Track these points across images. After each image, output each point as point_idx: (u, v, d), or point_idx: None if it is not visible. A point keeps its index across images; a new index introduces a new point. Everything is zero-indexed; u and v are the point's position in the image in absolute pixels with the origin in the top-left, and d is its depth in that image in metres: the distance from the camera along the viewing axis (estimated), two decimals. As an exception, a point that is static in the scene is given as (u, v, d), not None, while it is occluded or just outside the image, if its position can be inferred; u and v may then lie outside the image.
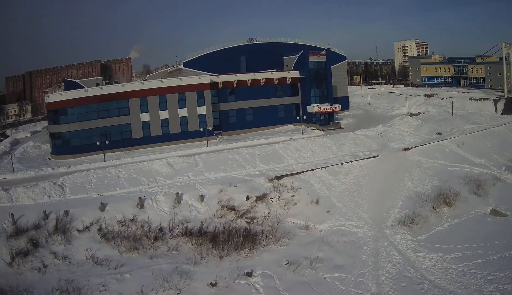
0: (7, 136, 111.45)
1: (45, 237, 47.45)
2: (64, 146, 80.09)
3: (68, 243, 47.20)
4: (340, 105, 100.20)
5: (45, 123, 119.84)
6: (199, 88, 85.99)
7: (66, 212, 50.63)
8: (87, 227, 49.70)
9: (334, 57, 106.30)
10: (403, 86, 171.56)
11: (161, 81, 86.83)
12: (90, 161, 72.28)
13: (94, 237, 48.59)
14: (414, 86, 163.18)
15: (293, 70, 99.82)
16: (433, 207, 57.42)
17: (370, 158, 71.01)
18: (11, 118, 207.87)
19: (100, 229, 49.70)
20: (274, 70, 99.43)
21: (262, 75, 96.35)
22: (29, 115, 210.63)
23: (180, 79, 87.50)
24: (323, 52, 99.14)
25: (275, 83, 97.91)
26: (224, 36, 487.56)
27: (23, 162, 76.78)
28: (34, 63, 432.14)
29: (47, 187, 58.12)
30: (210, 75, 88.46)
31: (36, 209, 51.39)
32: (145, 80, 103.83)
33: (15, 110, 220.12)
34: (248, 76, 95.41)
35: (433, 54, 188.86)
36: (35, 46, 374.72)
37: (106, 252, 46.24)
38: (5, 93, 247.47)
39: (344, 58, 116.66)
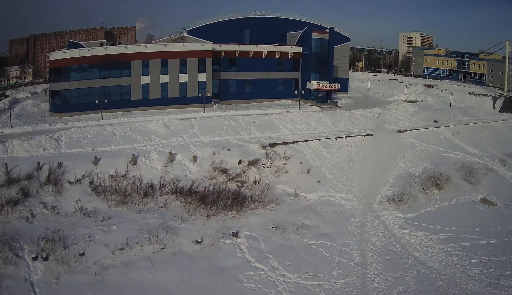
0: (7, 96, 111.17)
1: (36, 187, 47.72)
2: (63, 104, 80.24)
3: (59, 194, 47.45)
4: (339, 84, 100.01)
5: (45, 85, 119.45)
6: (201, 55, 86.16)
7: (60, 164, 50.86)
8: (78, 180, 49.97)
9: (337, 37, 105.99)
10: (404, 75, 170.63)
11: (164, 45, 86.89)
12: (88, 119, 72.23)
13: (84, 190, 48.90)
14: (415, 76, 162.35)
15: (295, 45, 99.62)
16: (423, 188, 57.79)
17: (364, 135, 71.32)
18: (12, 80, 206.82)
19: (91, 183, 50.00)
20: (277, 44, 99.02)
21: (265, 48, 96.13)
22: (30, 78, 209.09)
23: (183, 45, 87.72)
24: (327, 30, 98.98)
25: (277, 56, 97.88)
26: (231, 9, 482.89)
27: (21, 118, 76.79)
28: (38, 27, 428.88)
29: (42, 140, 58.40)
30: (213, 44, 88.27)
31: (30, 161, 51.55)
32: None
33: (16, 73, 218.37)
34: (250, 48, 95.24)
35: (436, 46, 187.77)
36: (40, 10, 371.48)
37: (95, 204, 46.52)
38: (8, 55, 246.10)
39: (347, 39, 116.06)
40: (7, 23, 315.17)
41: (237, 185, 53.95)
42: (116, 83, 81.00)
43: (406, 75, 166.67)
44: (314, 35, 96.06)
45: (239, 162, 57.10)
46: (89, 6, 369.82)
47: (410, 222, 49.81)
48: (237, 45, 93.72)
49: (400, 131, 75.66)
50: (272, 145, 62.02)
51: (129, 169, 52.85)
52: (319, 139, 66.97)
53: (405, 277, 38.92)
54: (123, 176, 51.74)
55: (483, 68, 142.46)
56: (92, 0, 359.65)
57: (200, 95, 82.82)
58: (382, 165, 63.62)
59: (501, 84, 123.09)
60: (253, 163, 57.73)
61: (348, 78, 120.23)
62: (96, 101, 73.69)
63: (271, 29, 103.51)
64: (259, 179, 55.82)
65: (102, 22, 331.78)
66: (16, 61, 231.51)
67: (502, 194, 59.70)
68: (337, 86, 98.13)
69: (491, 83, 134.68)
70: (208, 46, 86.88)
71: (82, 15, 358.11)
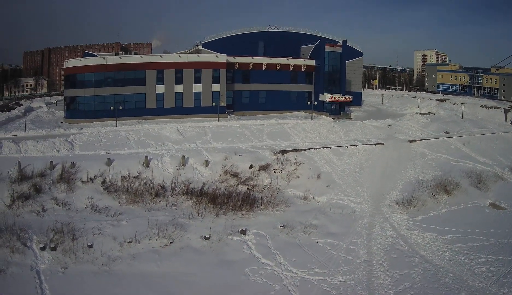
0: (21, 105, 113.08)
1: (48, 184, 48.72)
2: (77, 111, 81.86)
3: (71, 191, 48.41)
4: (351, 96, 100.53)
5: (60, 97, 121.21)
6: (215, 66, 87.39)
7: (73, 164, 51.90)
8: (91, 179, 50.89)
9: (350, 52, 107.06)
10: (417, 92, 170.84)
11: (179, 56, 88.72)
12: (102, 126, 73.29)
13: (96, 189, 49.78)
14: (429, 92, 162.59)
15: (309, 59, 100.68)
16: (432, 193, 57.59)
17: (375, 144, 71.65)
18: (27, 91, 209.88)
19: (103, 182, 50.88)
20: (291, 57, 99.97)
21: (278, 60, 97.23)
22: (44, 90, 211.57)
23: (198, 56, 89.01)
24: (339, 43, 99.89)
25: (290, 69, 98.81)
26: (244, 21, 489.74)
27: (35, 124, 77.83)
28: (54, 40, 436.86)
29: (56, 142, 59.83)
30: (227, 56, 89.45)
31: (43, 161, 52.62)
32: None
33: (31, 84, 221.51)
34: (264, 60, 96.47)
35: (449, 62, 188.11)
36: (56, 24, 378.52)
37: (107, 202, 47.30)
38: (23, 67, 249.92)
39: (360, 54, 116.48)
40: (22, 35, 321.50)
41: (248, 188, 54.32)
42: (131, 92, 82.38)
43: (420, 92, 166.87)
44: (327, 48, 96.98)
45: (250, 167, 57.66)
46: (106, 22, 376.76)
47: (418, 224, 49.68)
48: (250, 57, 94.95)
49: (411, 141, 75.82)
50: (283, 152, 62.53)
51: (142, 171, 53.62)
52: (330, 147, 67.43)
53: (411, 274, 38.70)
54: (135, 177, 52.53)
55: (495, 83, 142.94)
56: (110, 16, 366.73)
57: (213, 104, 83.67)
58: (392, 172, 63.74)
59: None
60: (264, 168, 58.28)
61: (361, 92, 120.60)
62: (111, 108, 74.91)
63: (285, 42, 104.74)
64: (270, 183, 56.23)
65: (118, 35, 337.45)
66: (30, 73, 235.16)
67: (511, 199, 59.30)
68: (349, 98, 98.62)
69: (503, 97, 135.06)
70: (222, 57, 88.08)
71: (99, 31, 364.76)
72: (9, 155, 55.31)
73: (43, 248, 37.16)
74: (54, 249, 37.21)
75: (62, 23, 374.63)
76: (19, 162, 50.93)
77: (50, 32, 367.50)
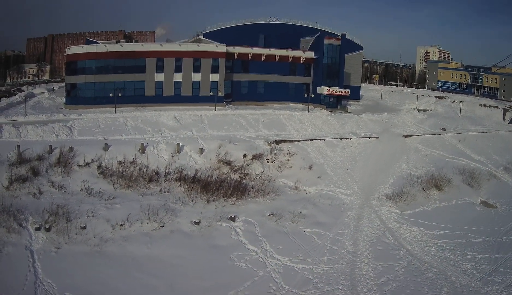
0: (23, 91, 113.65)
1: (46, 167, 50.19)
2: (78, 97, 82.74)
3: (67, 175, 49.91)
4: (349, 90, 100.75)
5: (62, 84, 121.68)
6: (214, 56, 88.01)
7: (71, 148, 53.47)
8: (87, 163, 52.37)
9: (350, 45, 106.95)
10: (417, 88, 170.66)
11: (179, 44, 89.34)
12: (102, 112, 73.89)
13: (92, 173, 51.24)
14: (429, 89, 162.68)
15: (308, 51, 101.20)
16: (423, 189, 58.07)
17: (369, 138, 72.49)
18: (29, 77, 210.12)
19: (99, 167, 52.31)
20: (290, 49, 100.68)
21: (277, 52, 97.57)
22: (47, 76, 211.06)
23: (198, 45, 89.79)
24: (339, 37, 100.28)
25: (289, 61, 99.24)
26: (247, 13, 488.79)
27: (36, 109, 78.60)
28: (57, 27, 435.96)
29: (56, 127, 61.15)
30: (226, 46, 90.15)
31: (42, 145, 54.00)
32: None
33: (33, 70, 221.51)
34: (263, 51, 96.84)
35: (451, 60, 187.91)
36: (59, 11, 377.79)
37: (102, 186, 48.77)
38: (25, 53, 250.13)
39: (360, 48, 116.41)
40: (25, 22, 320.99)
41: (240, 177, 55.51)
42: (130, 79, 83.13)
43: (420, 89, 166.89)
44: (326, 41, 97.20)
45: (244, 156, 58.83)
46: (110, 10, 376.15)
47: (406, 218, 50.24)
48: (250, 48, 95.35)
49: (405, 136, 76.43)
50: (277, 142, 63.60)
51: (137, 157, 55.03)
52: (324, 139, 68.44)
53: (394, 266, 39.20)
54: (130, 162, 53.89)
55: (496, 82, 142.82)
56: (114, 4, 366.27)
57: (211, 93, 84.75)
58: (385, 166, 64.43)
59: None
60: (257, 157, 59.41)
61: (360, 87, 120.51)
62: (111, 94, 75.84)
63: (285, 35, 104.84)
64: (262, 172, 57.34)
65: (120, 24, 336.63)
66: (33, 59, 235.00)
67: (503, 198, 59.49)
68: (347, 91, 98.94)
69: (503, 96, 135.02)
70: (222, 47, 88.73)
71: (102, 19, 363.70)
72: (9, 139, 56.58)
73: (38, 229, 38.58)
74: (48, 229, 38.62)
75: (67, 10, 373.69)
76: (18, 146, 52.40)
77: (54, 19, 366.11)
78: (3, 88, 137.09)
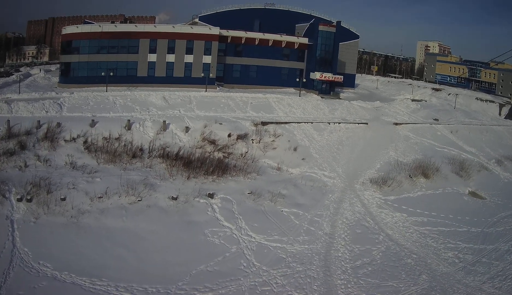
0: (20, 72, 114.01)
1: (33, 142, 51.00)
2: (71, 76, 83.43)
3: (53, 149, 50.75)
4: (342, 76, 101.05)
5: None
6: (207, 38, 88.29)
7: (58, 124, 54.29)
8: (74, 139, 53.11)
9: (346, 33, 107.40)
10: (415, 80, 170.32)
11: (173, 26, 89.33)
12: (93, 91, 74.39)
13: (78, 148, 51.97)
14: (426, 82, 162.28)
15: (302, 37, 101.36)
16: (409, 175, 57.51)
17: (358, 123, 72.56)
18: (28, 59, 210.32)
19: (85, 142, 53.06)
20: (284, 34, 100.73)
21: (271, 36, 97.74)
22: (46, 58, 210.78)
23: (191, 27, 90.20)
24: (334, 24, 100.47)
25: (283, 46, 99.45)
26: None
27: (30, 88, 78.99)
28: (58, 10, 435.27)
29: (46, 103, 61.82)
30: (220, 29, 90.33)
31: (32, 121, 54.91)
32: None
33: (32, 52, 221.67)
34: (257, 35, 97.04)
35: (450, 53, 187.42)
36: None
37: (86, 161, 49.52)
38: (26, 35, 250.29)
39: (356, 36, 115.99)
40: (27, 4, 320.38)
41: (224, 156, 55.83)
42: (123, 59, 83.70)
43: (417, 80, 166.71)
44: (321, 28, 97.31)
45: (229, 135, 59.19)
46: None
47: (389, 203, 49.76)
48: (244, 32, 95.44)
49: (396, 124, 76.28)
50: (264, 123, 63.91)
51: (123, 133, 55.70)
52: (312, 122, 68.64)
53: (372, 250, 38.85)
54: (116, 138, 54.58)
55: (494, 77, 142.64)
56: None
57: (202, 75, 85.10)
58: (372, 151, 64.38)
59: (510, 94, 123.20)
60: (242, 137, 59.77)
61: (355, 75, 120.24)
62: (103, 73, 76.18)
63: (281, 21, 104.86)
64: (246, 152, 57.67)
65: (116, 9, 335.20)
66: (33, 41, 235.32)
67: (493, 190, 58.71)
68: (340, 78, 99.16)
69: (501, 92, 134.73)
70: (215, 30, 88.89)
71: (104, 3, 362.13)
72: (0, 115, 57.25)
73: (19, 200, 39.30)
74: (30, 200, 39.29)
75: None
76: (8, 121, 53.25)
77: (55, 2, 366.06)
78: (1, 69, 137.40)
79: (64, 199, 40.03)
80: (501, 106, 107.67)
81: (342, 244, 39.95)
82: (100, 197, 41.15)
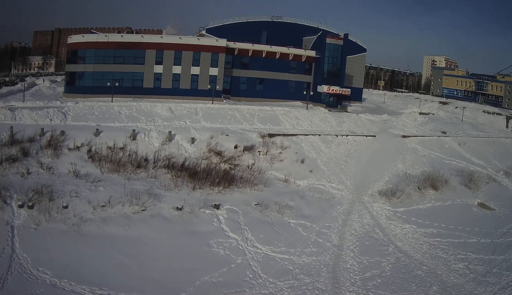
0: (26, 81, 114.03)
1: (36, 149, 50.20)
2: (76, 86, 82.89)
3: (56, 157, 49.88)
4: (349, 90, 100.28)
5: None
6: (214, 50, 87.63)
7: (62, 132, 53.55)
8: (77, 147, 52.25)
9: (353, 47, 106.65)
10: (421, 94, 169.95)
11: (180, 37, 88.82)
12: (98, 101, 73.85)
13: (81, 156, 51.06)
14: (433, 95, 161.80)
15: (310, 50, 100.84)
16: (418, 187, 56.81)
17: (366, 136, 71.61)
18: (34, 69, 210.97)
19: (89, 151, 52.17)
20: (291, 46, 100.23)
21: (278, 49, 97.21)
22: (52, 69, 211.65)
23: (198, 39, 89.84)
24: (341, 36, 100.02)
25: (290, 59, 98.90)
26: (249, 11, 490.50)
27: (35, 97, 78.75)
28: (65, 21, 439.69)
29: (50, 112, 61.23)
30: (227, 41, 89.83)
31: (35, 128, 54.19)
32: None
33: (38, 63, 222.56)
34: (264, 47, 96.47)
35: (456, 67, 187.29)
36: (68, 5, 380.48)
37: (89, 169, 48.53)
38: (32, 46, 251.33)
39: (364, 50, 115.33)
40: (32, 15, 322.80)
41: (230, 167, 54.84)
42: (129, 70, 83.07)
43: (424, 94, 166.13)
44: (328, 40, 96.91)
45: (235, 147, 58.27)
46: (118, 8, 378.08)
47: (398, 215, 49.15)
48: (251, 44, 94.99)
49: (404, 136, 75.39)
50: (271, 135, 62.96)
51: (128, 143, 54.75)
52: (319, 135, 67.71)
53: (381, 262, 38.19)
54: (120, 148, 53.62)
55: (500, 90, 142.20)
56: (123, 2, 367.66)
57: (209, 87, 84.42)
58: (380, 164, 63.50)
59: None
60: (248, 149, 58.84)
61: (362, 89, 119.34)
62: (108, 84, 75.60)
63: (288, 33, 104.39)
64: (253, 164, 56.73)
65: (124, 22, 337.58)
66: (39, 52, 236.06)
67: (502, 201, 58.06)
68: (347, 91, 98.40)
69: (507, 105, 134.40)
70: (222, 42, 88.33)
71: (111, 18, 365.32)
72: (4, 121, 56.57)
73: (21, 206, 38.56)
74: (31, 207, 38.53)
75: (75, 4, 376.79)
76: (11, 127, 52.54)
77: (62, 14, 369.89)
78: (7, 78, 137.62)
79: (66, 207, 39.29)
80: (508, 118, 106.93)
81: (350, 256, 39.16)
82: (103, 206, 40.31)
